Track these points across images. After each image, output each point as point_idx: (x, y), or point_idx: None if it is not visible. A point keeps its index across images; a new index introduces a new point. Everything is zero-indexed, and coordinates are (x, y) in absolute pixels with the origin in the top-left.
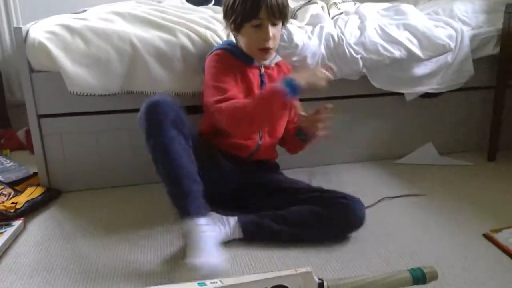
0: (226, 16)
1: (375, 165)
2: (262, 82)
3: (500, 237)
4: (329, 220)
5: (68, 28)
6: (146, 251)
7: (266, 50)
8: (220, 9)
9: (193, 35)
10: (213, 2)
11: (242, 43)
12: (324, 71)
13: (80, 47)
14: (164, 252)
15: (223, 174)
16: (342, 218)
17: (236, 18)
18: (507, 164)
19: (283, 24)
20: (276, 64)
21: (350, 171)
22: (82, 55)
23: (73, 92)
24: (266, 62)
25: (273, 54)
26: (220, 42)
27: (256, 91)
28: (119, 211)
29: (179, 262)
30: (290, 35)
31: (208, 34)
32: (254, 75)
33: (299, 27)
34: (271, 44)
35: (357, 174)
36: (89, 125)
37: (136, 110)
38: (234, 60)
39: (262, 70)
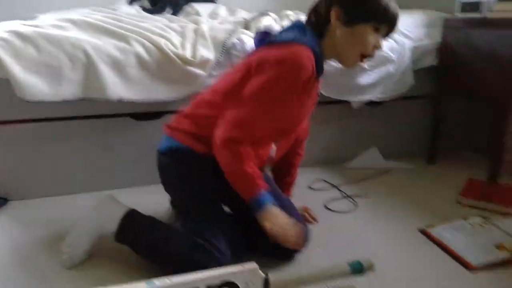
0: (349, 3)
1: (325, 169)
2: (317, 95)
3: (434, 232)
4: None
5: (19, 35)
6: (96, 261)
7: (365, 58)
8: (175, 18)
9: (147, 43)
10: (170, 12)
11: (343, 40)
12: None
13: (31, 53)
14: (118, 256)
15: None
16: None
17: (370, 11)
18: (445, 167)
19: None
20: None
21: (302, 175)
22: (33, 61)
23: (24, 99)
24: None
25: None
26: (175, 50)
27: (310, 105)
28: (68, 220)
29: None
30: (242, 44)
31: (162, 42)
32: (315, 88)
33: (251, 38)
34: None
35: (309, 177)
36: (39, 132)
37: (87, 117)
38: (312, 72)
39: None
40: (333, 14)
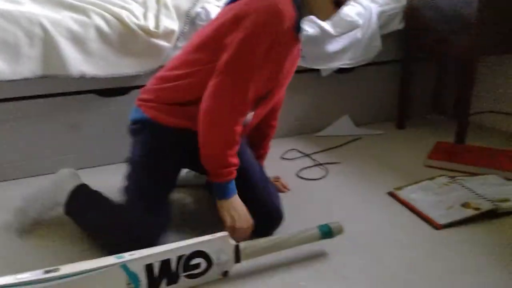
0: None
1: (298, 139)
2: (300, 55)
3: (401, 194)
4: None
5: None
6: (65, 241)
7: (340, 6)
8: None
9: (107, 15)
10: None
11: None
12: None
13: None
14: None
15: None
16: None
17: None
18: (414, 131)
19: None
20: None
21: (274, 146)
22: None
23: None
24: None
25: None
26: (138, 22)
27: (290, 66)
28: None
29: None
30: (207, 13)
31: (124, 14)
32: (295, 47)
33: (217, 6)
34: None
35: (282, 148)
36: (1, 113)
37: (52, 95)
38: (290, 32)
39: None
40: None
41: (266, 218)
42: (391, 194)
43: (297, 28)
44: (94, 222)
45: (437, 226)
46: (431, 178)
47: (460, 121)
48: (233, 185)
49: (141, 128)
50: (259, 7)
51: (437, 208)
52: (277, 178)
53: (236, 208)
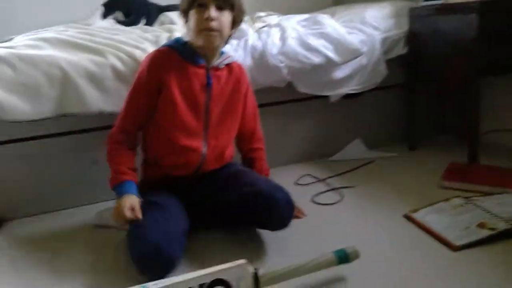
0: (180, 8)
1: (311, 164)
2: (208, 83)
3: (417, 216)
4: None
5: None
6: (93, 271)
7: (208, 30)
8: (149, 28)
9: (122, 54)
10: (144, 22)
11: (190, 31)
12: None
13: (8, 74)
14: (113, 270)
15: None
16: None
17: (183, 3)
18: (426, 151)
19: (234, 17)
20: (228, 65)
21: (288, 172)
22: (10, 82)
23: (6, 120)
24: (215, 63)
25: (220, 44)
26: None
27: (200, 94)
28: (63, 234)
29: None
30: None
31: (137, 53)
32: (198, 76)
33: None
34: (214, 24)
35: (296, 174)
36: (26, 151)
37: (72, 133)
38: (175, 60)
39: (209, 71)
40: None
41: (261, 207)
42: (407, 217)
43: (188, 59)
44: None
45: (453, 248)
46: (446, 200)
47: (470, 142)
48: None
49: None
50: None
51: (453, 229)
52: None
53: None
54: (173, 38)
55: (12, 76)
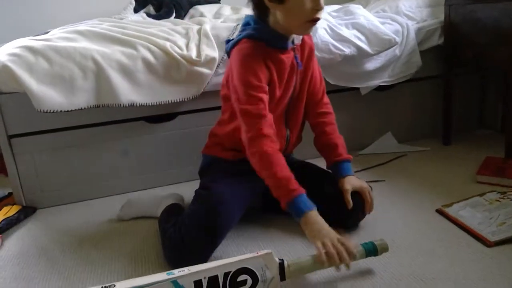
0: None
1: None
2: (298, 64)
3: (450, 210)
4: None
5: (31, 49)
6: (121, 258)
7: (315, 22)
8: (180, 21)
9: (153, 47)
10: (174, 15)
11: (284, 16)
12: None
13: (44, 66)
14: (139, 258)
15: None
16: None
17: None
18: (461, 146)
19: None
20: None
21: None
22: (46, 74)
23: (41, 110)
24: (296, 41)
25: None
26: (181, 52)
27: (291, 78)
28: (93, 223)
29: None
30: None
31: (168, 45)
32: (289, 60)
33: None
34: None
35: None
36: (59, 141)
37: (103, 124)
38: (266, 52)
39: (296, 52)
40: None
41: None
42: (440, 211)
43: (278, 45)
44: (161, 236)
45: (488, 244)
46: (481, 194)
47: (508, 135)
48: (301, 203)
49: None
50: (235, 62)
51: (488, 224)
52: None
53: (312, 224)
54: (240, 25)
55: (48, 68)
